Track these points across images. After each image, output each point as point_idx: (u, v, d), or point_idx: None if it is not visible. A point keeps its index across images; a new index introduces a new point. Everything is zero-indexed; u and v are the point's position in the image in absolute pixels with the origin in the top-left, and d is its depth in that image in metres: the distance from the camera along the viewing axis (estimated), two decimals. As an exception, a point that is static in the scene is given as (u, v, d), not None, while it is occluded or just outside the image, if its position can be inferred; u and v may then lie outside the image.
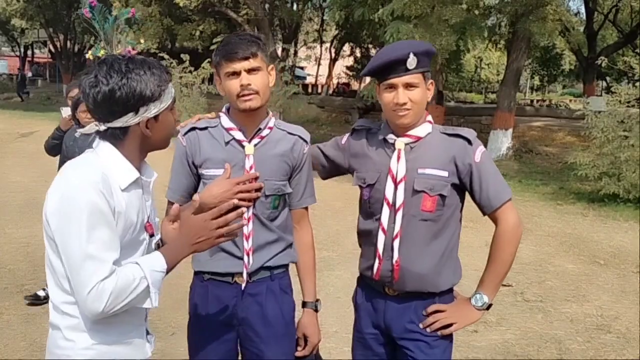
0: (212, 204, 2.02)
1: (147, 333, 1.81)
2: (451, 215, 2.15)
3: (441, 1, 10.83)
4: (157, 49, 16.49)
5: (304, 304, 2.27)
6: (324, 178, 2.41)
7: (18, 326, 4.10)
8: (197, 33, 17.80)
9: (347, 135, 2.31)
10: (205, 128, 2.16)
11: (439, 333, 2.14)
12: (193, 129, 2.16)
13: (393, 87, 2.05)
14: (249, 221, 2.12)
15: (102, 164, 1.62)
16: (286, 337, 2.21)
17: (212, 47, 14.11)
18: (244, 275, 2.13)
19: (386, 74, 2.05)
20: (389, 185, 2.10)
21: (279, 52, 20.30)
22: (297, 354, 2.24)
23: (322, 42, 31.74)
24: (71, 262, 1.54)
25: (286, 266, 2.25)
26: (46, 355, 1.72)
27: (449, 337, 2.18)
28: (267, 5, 19.78)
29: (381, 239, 2.12)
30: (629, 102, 9.35)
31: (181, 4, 15.68)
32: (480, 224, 7.69)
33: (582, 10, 23.69)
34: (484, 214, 2.16)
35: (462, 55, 19.50)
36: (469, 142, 2.11)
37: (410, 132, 2.12)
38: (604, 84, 28.31)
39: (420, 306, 2.14)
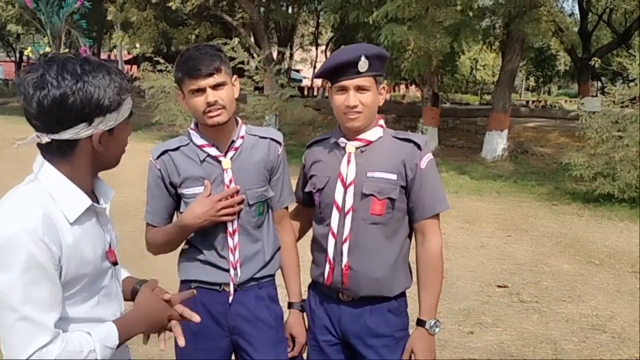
0: (197, 224, 2.04)
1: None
2: (402, 219, 2.14)
3: (435, 3, 10.86)
4: (152, 53, 16.46)
5: (290, 305, 2.28)
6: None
7: None
8: (193, 37, 17.78)
9: (303, 156, 2.32)
10: (177, 148, 2.14)
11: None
12: (165, 151, 2.14)
13: (344, 89, 2.06)
14: (234, 233, 2.12)
15: (44, 199, 1.38)
16: (278, 344, 2.21)
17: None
18: (231, 287, 2.13)
19: (338, 76, 2.06)
20: (339, 189, 2.10)
21: (275, 55, 20.31)
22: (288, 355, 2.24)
23: (317, 45, 31.78)
24: (5, 324, 1.31)
25: (273, 275, 2.25)
26: None
27: (406, 339, 2.16)
28: (262, 9, 19.80)
29: (331, 243, 2.11)
30: (622, 102, 9.38)
31: (173, 7, 15.67)
32: (475, 225, 7.74)
33: (577, 11, 23.77)
34: (414, 221, 2.15)
35: (457, 57, 19.49)
36: (419, 147, 2.12)
37: (361, 136, 2.13)
38: (599, 84, 28.37)
39: (375, 310, 2.13)
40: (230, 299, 2.14)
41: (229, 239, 2.12)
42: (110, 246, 1.54)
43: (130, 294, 1.67)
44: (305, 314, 2.30)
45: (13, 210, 1.35)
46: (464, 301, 4.97)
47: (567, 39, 21.22)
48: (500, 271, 5.88)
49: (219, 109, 2.02)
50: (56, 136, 1.37)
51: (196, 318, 1.65)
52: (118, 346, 1.45)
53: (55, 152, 1.41)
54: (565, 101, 30.51)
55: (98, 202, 1.53)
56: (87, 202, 1.44)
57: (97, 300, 1.49)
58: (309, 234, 2.37)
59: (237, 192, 2.08)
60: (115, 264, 1.56)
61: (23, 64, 39.01)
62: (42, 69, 1.35)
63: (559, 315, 4.76)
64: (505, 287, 5.40)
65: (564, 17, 13.72)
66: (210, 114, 2.02)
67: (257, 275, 2.17)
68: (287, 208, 2.30)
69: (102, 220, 1.53)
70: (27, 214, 1.33)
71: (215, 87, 2.01)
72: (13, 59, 40.46)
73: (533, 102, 31.31)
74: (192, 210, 2.04)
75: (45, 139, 1.38)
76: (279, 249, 2.26)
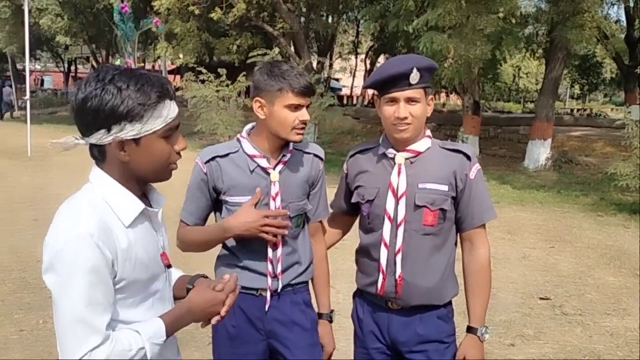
0: (239, 232, 2.06)
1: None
2: (450, 228, 2.17)
3: (476, 11, 10.77)
4: (195, 63, 16.78)
5: (320, 315, 2.32)
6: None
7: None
8: (234, 47, 18.05)
9: (345, 164, 2.34)
10: (227, 155, 2.18)
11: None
12: (214, 157, 2.18)
13: (394, 101, 2.07)
14: (278, 245, 2.16)
15: (100, 204, 1.43)
16: (314, 346, 2.25)
17: (249, 61, 14.30)
18: (268, 294, 2.18)
19: (388, 87, 2.07)
20: (390, 200, 2.11)
21: (314, 64, 20.44)
22: None
23: (357, 54, 31.85)
24: (61, 324, 1.38)
25: (307, 282, 2.31)
26: None
27: (455, 344, 2.19)
28: (302, 19, 19.96)
29: (384, 254, 2.13)
30: (671, 110, 9.11)
31: (215, 18, 15.94)
32: (517, 235, 7.61)
33: (623, 17, 23.18)
34: (462, 230, 2.18)
35: (499, 64, 19.27)
36: (468, 158, 2.13)
37: (410, 147, 2.14)
38: (647, 92, 27.57)
39: (424, 318, 2.15)
40: (267, 306, 2.18)
41: (270, 250, 2.16)
42: (164, 249, 1.59)
43: (186, 292, 1.68)
44: (352, 322, 2.33)
45: (71, 217, 1.41)
46: (505, 313, 4.90)
47: (613, 46, 20.71)
48: (543, 283, 5.77)
49: (304, 128, 2.13)
50: (87, 139, 1.44)
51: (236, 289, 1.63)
52: (166, 340, 1.50)
53: (97, 156, 1.47)
54: (611, 110, 29.76)
55: (151, 206, 1.56)
56: (141, 205, 1.48)
57: (151, 303, 1.54)
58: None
59: (287, 216, 2.12)
60: (168, 266, 1.61)
61: (71, 74, 40.30)
62: (86, 77, 1.44)
63: (603, 328, 4.64)
64: (547, 299, 5.30)
65: (608, 23, 13.39)
66: (298, 132, 2.11)
67: (293, 282, 2.22)
68: (321, 222, 2.35)
69: (155, 224, 1.57)
70: (84, 220, 1.38)
71: (306, 107, 2.13)
72: (62, 69, 41.78)
73: (578, 110, 30.62)
74: (238, 217, 2.08)
75: (81, 141, 1.45)
76: (312, 258, 2.31)
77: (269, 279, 2.17)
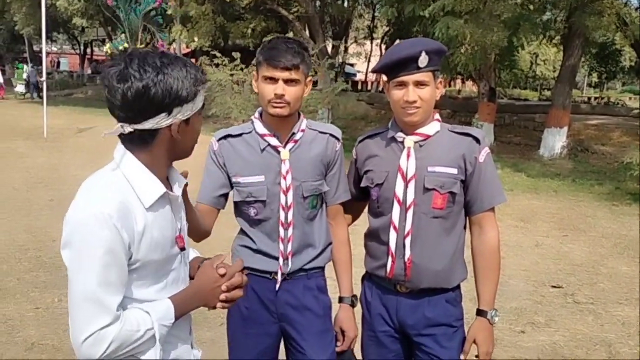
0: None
1: (192, 347, 1.73)
2: (460, 212, 2.17)
3: (494, -4, 10.64)
4: (209, 47, 16.77)
5: (340, 299, 2.30)
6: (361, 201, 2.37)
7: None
8: (249, 31, 18.00)
9: (354, 149, 2.33)
10: (240, 135, 2.20)
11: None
12: (227, 136, 2.20)
13: (403, 84, 2.06)
14: (289, 226, 2.17)
15: (123, 186, 1.47)
16: (325, 332, 2.25)
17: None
18: (279, 275, 2.19)
19: (397, 71, 2.06)
20: (399, 183, 2.11)
21: (329, 49, 20.35)
22: (336, 349, 2.26)
23: (372, 39, 31.63)
24: (73, 300, 1.41)
25: (322, 267, 2.30)
26: None
27: (463, 328, 2.20)
28: (317, 2, 19.84)
29: (393, 237, 2.13)
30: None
31: (230, 1, 15.88)
32: (530, 223, 7.58)
33: (644, 4, 22.76)
34: (471, 214, 2.17)
35: (516, 51, 19.04)
36: (478, 141, 2.13)
37: (419, 130, 2.13)
38: (667, 80, 27.15)
39: (433, 301, 2.16)
40: (277, 286, 2.19)
41: (282, 230, 2.17)
42: (180, 232, 1.61)
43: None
44: (360, 305, 2.33)
45: (93, 195, 1.44)
46: (516, 300, 4.89)
47: (633, 34, 20.38)
48: (555, 271, 5.76)
49: (284, 103, 2.08)
50: (138, 126, 1.45)
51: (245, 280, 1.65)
52: (174, 322, 1.52)
53: (136, 142, 1.49)
54: (630, 98, 29.37)
55: (172, 190, 1.60)
56: (162, 189, 1.51)
57: (164, 283, 1.56)
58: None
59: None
60: (183, 249, 1.62)
61: (87, 56, 40.46)
62: (124, 63, 1.43)
63: (615, 317, 4.63)
64: (559, 287, 5.29)
65: (628, 10, 13.12)
66: (274, 105, 2.08)
67: (307, 267, 2.22)
68: (341, 204, 2.32)
69: (175, 207, 1.60)
70: (105, 200, 1.41)
71: (288, 81, 2.07)
72: (78, 51, 41.96)
73: (595, 98, 30.25)
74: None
75: (128, 128, 1.46)
76: (330, 243, 2.30)
77: (281, 260, 2.18)
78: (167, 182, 1.59)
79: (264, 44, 2.15)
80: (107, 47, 10.97)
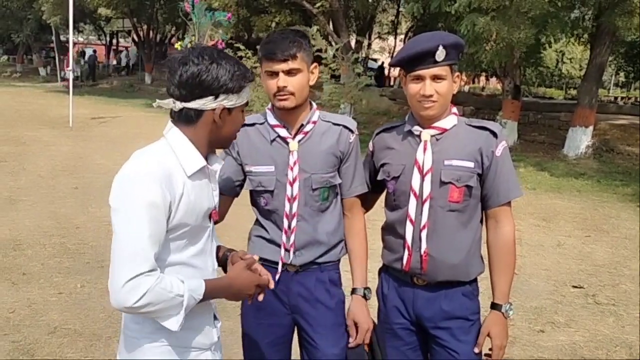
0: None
1: (215, 318, 1.84)
2: (476, 205, 2.16)
3: (521, -7, 10.49)
4: (233, 40, 16.84)
5: (353, 290, 2.28)
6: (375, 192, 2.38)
7: (98, 299, 4.38)
8: (273, 24, 18.04)
9: (371, 142, 2.33)
10: (253, 124, 2.22)
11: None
12: (242, 125, 2.23)
13: (420, 78, 2.06)
14: (293, 217, 2.17)
15: (168, 153, 1.65)
16: (338, 326, 2.25)
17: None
18: (279, 266, 2.19)
19: (414, 65, 2.06)
20: (416, 177, 2.11)
21: (353, 43, 20.28)
22: (351, 344, 2.24)
23: (396, 34, 31.45)
24: (116, 250, 1.55)
25: (336, 261, 2.29)
26: (120, 336, 1.80)
27: (479, 322, 2.19)
28: (342, -3, 19.78)
29: (409, 230, 2.14)
30: None
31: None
32: (553, 223, 7.50)
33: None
34: (487, 208, 2.17)
35: (542, 49, 18.77)
36: (495, 135, 2.12)
37: (435, 124, 2.13)
38: (697, 81, 26.58)
39: (450, 294, 2.16)
40: (277, 276, 2.17)
41: (286, 221, 2.18)
42: (215, 208, 1.80)
43: (220, 260, 1.89)
44: (377, 298, 2.33)
45: (142, 159, 1.64)
46: (536, 299, 4.85)
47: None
48: (577, 271, 5.69)
49: (288, 94, 2.08)
50: (187, 104, 1.66)
51: (271, 284, 1.84)
52: (200, 301, 1.65)
53: (183, 119, 1.69)
54: (658, 99, 28.77)
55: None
56: (203, 162, 1.70)
57: (195, 250, 1.73)
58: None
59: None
60: (216, 222, 1.82)
61: (113, 47, 40.85)
62: (188, 52, 1.67)
63: (636, 319, 4.57)
64: (580, 287, 5.23)
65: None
66: (279, 97, 2.10)
67: (319, 260, 2.23)
68: (358, 197, 2.31)
69: (213, 182, 1.79)
70: (152, 162, 1.61)
71: (288, 72, 2.07)
72: (104, 42, 42.36)
73: (622, 98, 29.74)
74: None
75: (179, 105, 1.67)
76: (343, 237, 2.29)
77: (282, 251, 2.19)
78: (206, 161, 1.75)
79: (263, 39, 2.16)
80: (177, 45, 12.66)
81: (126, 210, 1.55)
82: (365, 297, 2.28)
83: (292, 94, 2.09)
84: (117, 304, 1.53)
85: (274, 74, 2.08)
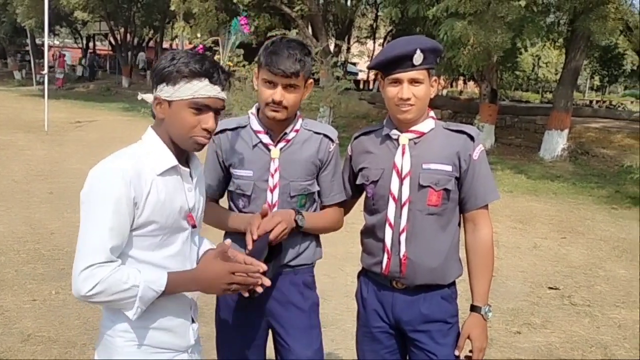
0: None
1: (193, 321, 1.82)
2: (454, 209, 2.18)
3: (498, -2, 10.61)
4: (212, 43, 16.76)
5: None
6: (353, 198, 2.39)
7: (73, 306, 4.31)
8: (252, 28, 17.98)
9: (349, 146, 2.33)
10: (235, 128, 2.22)
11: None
12: (224, 130, 2.21)
13: (398, 82, 2.07)
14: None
15: (140, 154, 1.68)
16: (311, 329, 2.26)
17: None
18: None
19: (392, 68, 2.07)
20: (394, 180, 2.12)
21: (332, 47, 20.31)
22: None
23: (375, 39, 31.60)
24: (79, 241, 1.61)
25: (310, 264, 2.30)
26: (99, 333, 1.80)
27: (458, 325, 2.21)
28: (321, 1, 19.82)
29: (388, 234, 2.14)
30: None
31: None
32: (529, 225, 7.58)
33: (647, 8, 22.72)
34: (465, 211, 2.18)
35: (518, 53, 19.00)
36: (472, 138, 2.13)
37: (413, 128, 2.14)
38: (669, 85, 27.12)
39: (428, 298, 2.17)
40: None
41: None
42: (190, 210, 1.77)
43: None
44: (356, 301, 2.34)
45: (115, 156, 1.68)
46: (512, 301, 4.90)
47: (636, 39, 20.35)
48: (553, 273, 5.76)
49: (281, 108, 2.09)
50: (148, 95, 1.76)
51: (267, 282, 1.77)
52: (164, 294, 1.65)
53: (154, 117, 1.74)
54: (632, 102, 29.34)
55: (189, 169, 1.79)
56: (173, 161, 1.71)
57: (170, 252, 1.72)
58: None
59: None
60: (194, 227, 1.79)
61: (89, 50, 40.40)
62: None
63: (611, 320, 4.64)
64: (556, 289, 5.29)
65: (632, 15, 13.09)
66: (271, 109, 2.10)
67: (293, 263, 2.24)
68: (338, 204, 2.32)
69: (186, 181, 1.77)
70: (123, 159, 1.65)
71: (287, 87, 2.08)
72: (80, 45, 41.87)
73: (597, 102, 30.23)
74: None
75: (150, 97, 1.73)
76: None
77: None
78: (185, 164, 1.77)
79: (267, 44, 2.15)
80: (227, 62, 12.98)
81: (90, 203, 1.61)
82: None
83: (286, 108, 2.10)
84: (75, 293, 1.59)
85: (272, 84, 2.08)
